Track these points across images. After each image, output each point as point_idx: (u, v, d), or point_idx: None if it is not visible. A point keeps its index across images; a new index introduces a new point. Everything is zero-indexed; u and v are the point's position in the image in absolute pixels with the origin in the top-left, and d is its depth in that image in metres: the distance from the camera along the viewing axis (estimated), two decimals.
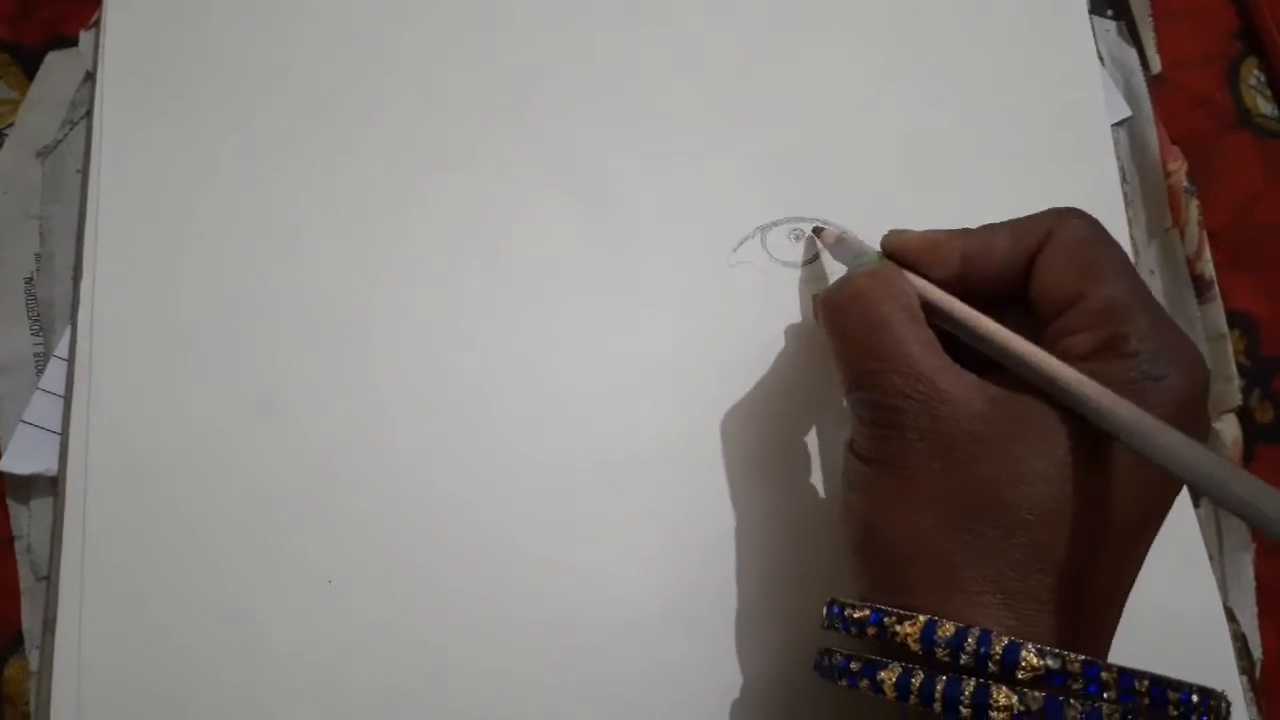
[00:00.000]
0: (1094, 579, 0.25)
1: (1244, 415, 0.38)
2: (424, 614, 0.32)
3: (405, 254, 0.35)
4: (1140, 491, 0.26)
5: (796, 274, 0.36)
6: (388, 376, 0.34)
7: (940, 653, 0.24)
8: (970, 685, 0.24)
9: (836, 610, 0.27)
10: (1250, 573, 0.36)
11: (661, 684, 0.32)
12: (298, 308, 0.34)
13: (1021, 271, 0.29)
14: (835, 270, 0.35)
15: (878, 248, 0.31)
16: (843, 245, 0.34)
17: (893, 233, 0.31)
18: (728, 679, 0.32)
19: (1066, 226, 0.28)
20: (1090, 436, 0.25)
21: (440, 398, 0.34)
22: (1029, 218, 0.29)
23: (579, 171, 0.36)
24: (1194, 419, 0.26)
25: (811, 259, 0.36)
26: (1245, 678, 0.35)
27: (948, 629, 0.24)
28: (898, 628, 0.25)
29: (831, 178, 0.37)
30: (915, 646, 0.25)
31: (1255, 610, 0.36)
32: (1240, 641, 0.35)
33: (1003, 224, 0.29)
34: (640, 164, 0.36)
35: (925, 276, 0.29)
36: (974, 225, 0.30)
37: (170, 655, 0.31)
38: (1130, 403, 0.24)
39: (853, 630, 0.26)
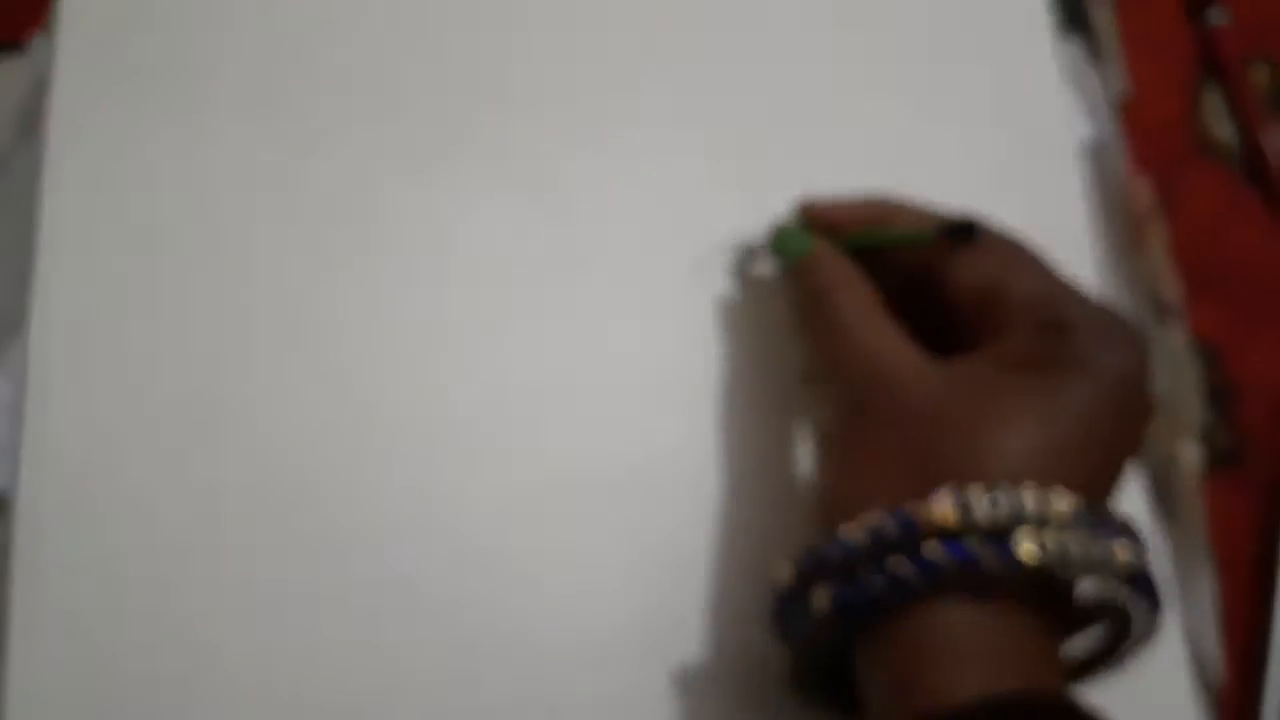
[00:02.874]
0: None
1: (1204, 439, 0.39)
2: (386, 632, 0.32)
3: (366, 258, 0.35)
4: (1100, 441, 0.26)
5: (769, 287, 0.36)
6: (348, 385, 0.34)
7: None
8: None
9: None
10: (1209, 592, 0.37)
11: (634, 707, 0.32)
12: (257, 317, 0.34)
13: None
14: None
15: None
16: (760, 252, 0.35)
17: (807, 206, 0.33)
18: (700, 699, 0.32)
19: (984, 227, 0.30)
20: (1042, 397, 0.26)
21: (402, 407, 0.34)
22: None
23: (547, 176, 0.36)
24: (1134, 394, 0.27)
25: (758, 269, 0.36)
26: (1203, 696, 0.35)
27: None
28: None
29: (801, 184, 0.37)
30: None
31: (1214, 631, 0.36)
32: (1199, 662, 0.36)
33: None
34: (608, 168, 0.37)
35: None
36: None
37: (128, 675, 0.31)
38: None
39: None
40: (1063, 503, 0.24)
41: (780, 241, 0.33)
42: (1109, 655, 0.28)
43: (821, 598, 0.25)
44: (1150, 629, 0.27)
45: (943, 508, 0.24)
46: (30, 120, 0.35)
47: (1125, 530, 0.26)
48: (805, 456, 0.35)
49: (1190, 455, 0.38)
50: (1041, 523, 0.24)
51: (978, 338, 0.28)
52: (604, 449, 0.34)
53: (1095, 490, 0.26)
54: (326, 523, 0.32)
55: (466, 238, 0.35)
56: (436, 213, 0.35)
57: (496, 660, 0.32)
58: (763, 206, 0.36)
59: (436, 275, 0.35)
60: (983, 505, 0.24)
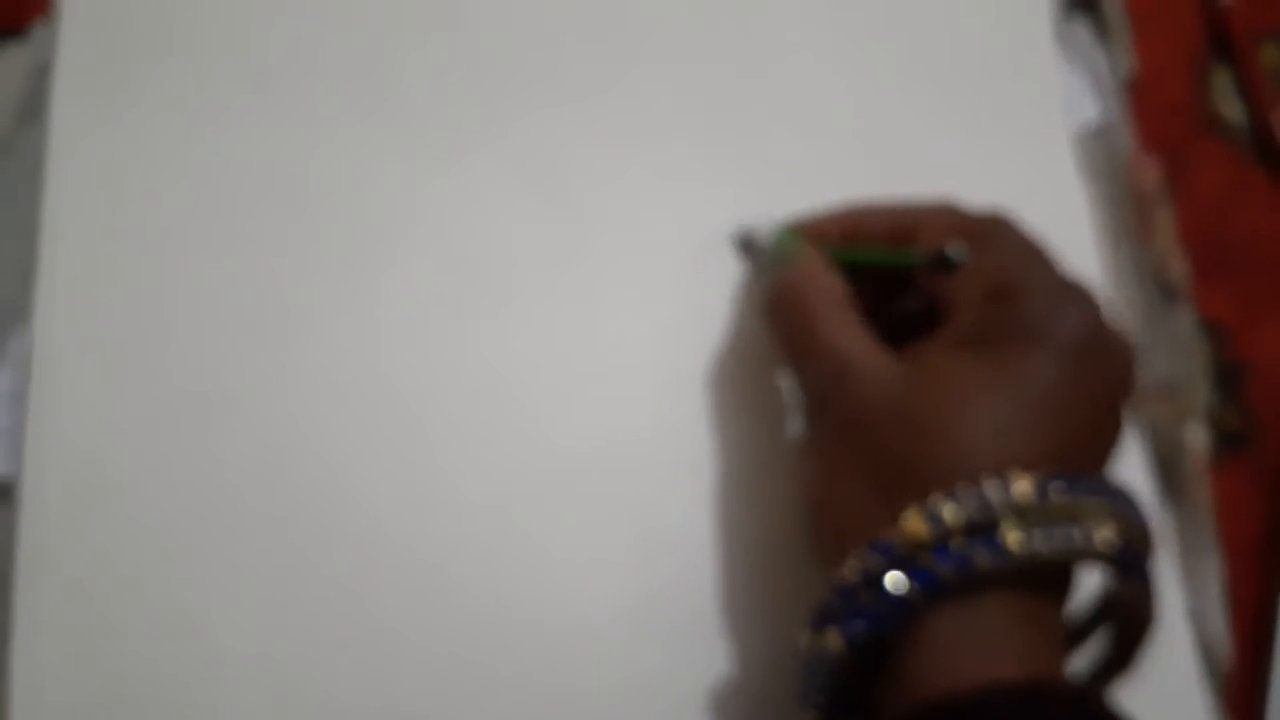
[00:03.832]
0: None
1: (1211, 422, 0.38)
2: (382, 620, 0.32)
3: (366, 246, 0.35)
4: (1067, 409, 0.26)
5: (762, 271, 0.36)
6: (346, 375, 0.33)
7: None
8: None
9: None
10: (1216, 576, 0.36)
11: (632, 692, 0.32)
12: (260, 304, 0.34)
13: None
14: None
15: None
16: (757, 245, 0.35)
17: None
18: (701, 687, 0.32)
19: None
20: (996, 372, 0.26)
21: (401, 396, 0.33)
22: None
23: (546, 163, 0.36)
24: (1094, 354, 0.26)
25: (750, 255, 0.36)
26: (1210, 679, 0.35)
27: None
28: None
29: (797, 172, 0.37)
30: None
31: (1221, 615, 0.36)
32: (1205, 646, 0.35)
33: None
34: (604, 156, 0.36)
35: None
36: None
37: (132, 661, 0.31)
38: None
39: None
40: (1022, 484, 0.24)
41: (774, 245, 0.33)
42: (1119, 660, 0.28)
43: (833, 638, 0.25)
44: (1144, 606, 0.26)
45: (914, 526, 0.24)
46: (33, 107, 0.35)
47: (1117, 497, 0.25)
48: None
49: (1197, 438, 0.38)
50: (1018, 511, 0.24)
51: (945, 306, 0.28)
52: (603, 433, 0.34)
53: (1078, 460, 0.26)
54: (329, 507, 0.32)
55: (465, 226, 0.35)
56: (436, 201, 0.35)
57: (498, 645, 0.32)
58: (759, 192, 0.36)
59: (436, 263, 0.35)
60: (950, 511, 0.24)
